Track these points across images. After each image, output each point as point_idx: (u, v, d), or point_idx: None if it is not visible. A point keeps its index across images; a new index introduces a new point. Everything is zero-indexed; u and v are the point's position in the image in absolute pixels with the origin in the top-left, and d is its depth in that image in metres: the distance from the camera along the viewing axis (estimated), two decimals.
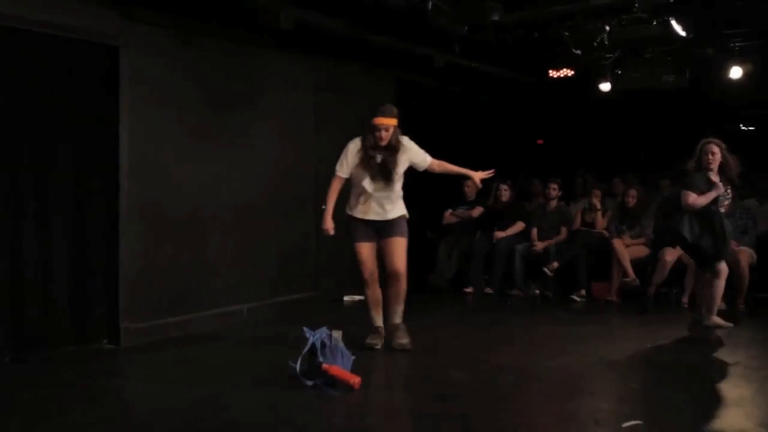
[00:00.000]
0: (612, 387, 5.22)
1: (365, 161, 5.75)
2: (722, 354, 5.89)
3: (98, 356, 6.00)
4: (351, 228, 5.92)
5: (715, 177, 6.37)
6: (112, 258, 6.27)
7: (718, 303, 6.55)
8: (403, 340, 5.90)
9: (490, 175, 6.19)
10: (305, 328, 5.07)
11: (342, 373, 4.87)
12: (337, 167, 5.87)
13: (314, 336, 4.99)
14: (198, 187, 6.94)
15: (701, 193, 6.31)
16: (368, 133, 5.74)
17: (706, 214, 6.32)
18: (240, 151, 7.36)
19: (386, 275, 5.92)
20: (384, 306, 6.02)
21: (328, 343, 4.97)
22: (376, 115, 5.69)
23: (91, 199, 6.20)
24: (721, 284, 6.43)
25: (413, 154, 5.89)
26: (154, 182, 6.53)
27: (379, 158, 5.75)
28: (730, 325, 6.56)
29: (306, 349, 4.95)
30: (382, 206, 5.85)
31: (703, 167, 6.41)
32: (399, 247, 5.86)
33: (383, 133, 5.67)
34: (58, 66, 5.94)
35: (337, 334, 5.09)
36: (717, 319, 6.52)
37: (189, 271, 6.84)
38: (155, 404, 4.67)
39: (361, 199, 5.86)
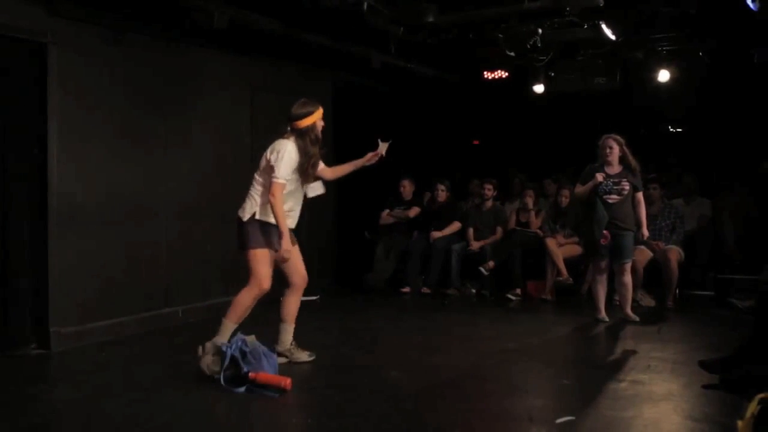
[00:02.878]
0: (546, 384, 5.30)
1: (306, 166, 5.20)
2: (652, 350, 6.04)
3: (27, 362, 5.84)
4: (269, 235, 5.19)
5: (612, 170, 7.10)
6: (41, 260, 6.10)
7: (629, 298, 7.36)
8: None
9: (378, 156, 5.65)
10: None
11: (270, 378, 4.81)
12: (283, 173, 5.07)
13: (230, 348, 4.89)
14: (131, 188, 6.81)
15: (584, 183, 7.16)
16: (310, 132, 5.17)
17: (589, 204, 7.10)
18: (175, 151, 7.25)
19: (290, 284, 5.50)
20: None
21: (246, 349, 4.89)
22: (312, 109, 5.25)
23: (19, 199, 6.03)
24: (625, 280, 7.25)
25: None
26: (84, 184, 6.38)
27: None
28: (636, 318, 7.26)
29: (225, 363, 4.85)
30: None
31: (602, 161, 7.16)
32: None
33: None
34: None
35: (251, 338, 4.99)
36: (629, 313, 7.33)
37: (121, 273, 6.71)
38: (87, 410, 4.56)
39: (293, 205, 5.31)
